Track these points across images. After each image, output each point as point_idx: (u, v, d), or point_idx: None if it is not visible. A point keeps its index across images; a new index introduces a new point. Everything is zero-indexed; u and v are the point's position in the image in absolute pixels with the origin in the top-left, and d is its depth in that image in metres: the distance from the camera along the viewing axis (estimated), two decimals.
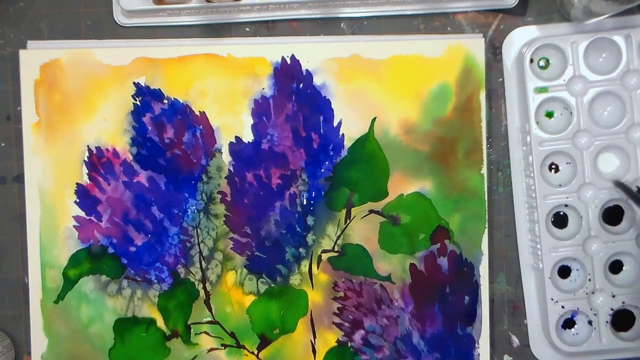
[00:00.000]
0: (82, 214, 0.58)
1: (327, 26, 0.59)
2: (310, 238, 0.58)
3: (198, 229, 0.58)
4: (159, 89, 0.58)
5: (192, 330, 0.59)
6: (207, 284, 0.59)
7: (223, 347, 0.59)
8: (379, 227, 0.58)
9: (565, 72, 0.57)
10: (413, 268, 0.58)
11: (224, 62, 0.58)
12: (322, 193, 0.58)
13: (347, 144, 0.58)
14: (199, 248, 0.59)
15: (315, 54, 0.58)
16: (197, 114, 0.58)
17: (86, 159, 0.58)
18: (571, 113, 0.57)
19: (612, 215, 0.58)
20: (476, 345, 0.59)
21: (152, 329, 0.59)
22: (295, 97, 0.58)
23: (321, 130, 0.58)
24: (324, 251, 0.59)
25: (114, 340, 0.58)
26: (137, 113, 0.58)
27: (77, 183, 0.58)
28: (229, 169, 0.58)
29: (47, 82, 0.57)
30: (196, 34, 0.59)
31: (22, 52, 0.58)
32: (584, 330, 0.58)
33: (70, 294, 0.58)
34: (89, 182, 0.58)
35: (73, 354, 0.58)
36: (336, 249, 0.59)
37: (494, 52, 0.59)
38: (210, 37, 0.59)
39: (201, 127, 0.58)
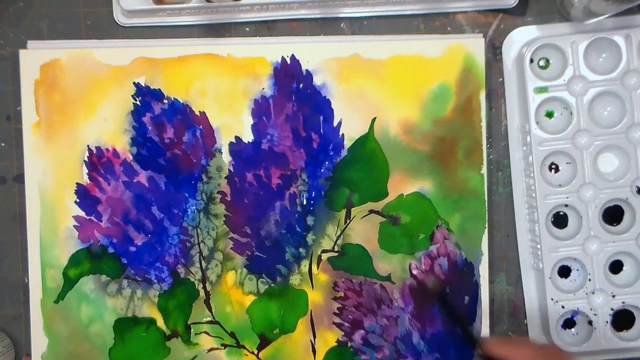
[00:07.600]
0: (82, 213, 0.58)
1: (327, 26, 0.59)
2: (310, 238, 0.58)
3: (198, 229, 0.58)
4: (159, 89, 0.58)
5: (192, 330, 0.59)
6: (207, 284, 0.59)
7: (223, 347, 0.59)
8: (379, 227, 0.58)
9: (565, 72, 0.56)
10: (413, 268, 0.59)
11: (224, 62, 0.58)
12: (322, 193, 0.58)
13: (347, 144, 0.58)
14: (199, 248, 0.58)
15: (315, 54, 0.58)
16: (197, 113, 0.58)
17: (86, 159, 0.58)
18: (571, 113, 0.57)
19: (612, 215, 0.58)
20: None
21: (152, 329, 0.59)
22: (295, 97, 0.58)
23: (321, 130, 0.58)
24: (324, 251, 0.59)
25: (114, 340, 0.58)
26: (137, 113, 0.58)
27: (77, 183, 0.58)
28: (229, 169, 0.58)
29: (47, 82, 0.57)
30: (196, 34, 0.59)
31: (22, 52, 0.58)
32: (584, 330, 0.58)
33: (71, 293, 0.58)
34: (89, 182, 0.58)
35: (73, 353, 0.58)
36: (336, 249, 0.59)
37: (494, 52, 0.59)
38: (210, 37, 0.59)
39: (201, 127, 0.58)
